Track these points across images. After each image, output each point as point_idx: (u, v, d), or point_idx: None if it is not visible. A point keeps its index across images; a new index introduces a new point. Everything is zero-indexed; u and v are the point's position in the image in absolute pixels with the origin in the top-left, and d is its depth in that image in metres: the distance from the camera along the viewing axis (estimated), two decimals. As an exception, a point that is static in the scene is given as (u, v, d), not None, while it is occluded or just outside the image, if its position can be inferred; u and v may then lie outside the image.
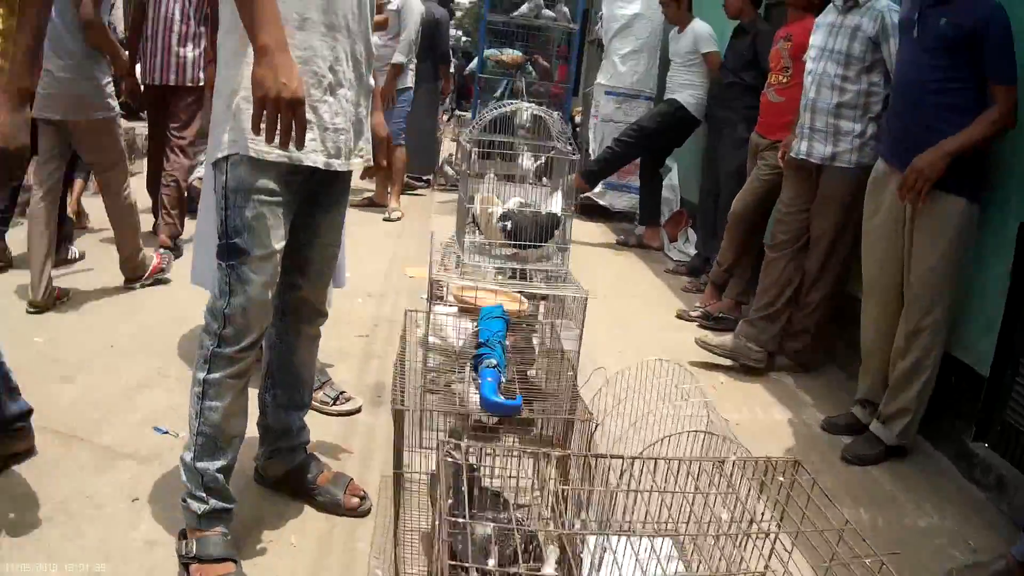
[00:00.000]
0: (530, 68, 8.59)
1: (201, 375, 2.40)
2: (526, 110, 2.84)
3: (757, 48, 5.71)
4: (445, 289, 2.90)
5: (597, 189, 8.32)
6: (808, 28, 4.60)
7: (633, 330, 5.10)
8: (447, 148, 10.85)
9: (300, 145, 2.14)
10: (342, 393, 3.61)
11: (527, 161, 8.59)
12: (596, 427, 2.09)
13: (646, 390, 2.16)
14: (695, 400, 2.02)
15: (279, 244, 2.35)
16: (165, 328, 4.40)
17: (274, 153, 2.21)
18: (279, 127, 2.07)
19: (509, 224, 2.59)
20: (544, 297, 2.91)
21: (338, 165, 2.43)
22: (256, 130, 2.09)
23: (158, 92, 5.66)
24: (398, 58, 7.12)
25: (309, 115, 2.24)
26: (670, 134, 7.14)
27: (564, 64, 8.91)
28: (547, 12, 8.23)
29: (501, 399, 2.14)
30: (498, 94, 9.01)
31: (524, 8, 8.22)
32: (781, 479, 1.59)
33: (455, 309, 2.78)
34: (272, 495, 2.93)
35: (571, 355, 2.56)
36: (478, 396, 2.34)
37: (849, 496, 3.30)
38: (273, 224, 2.32)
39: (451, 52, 10.50)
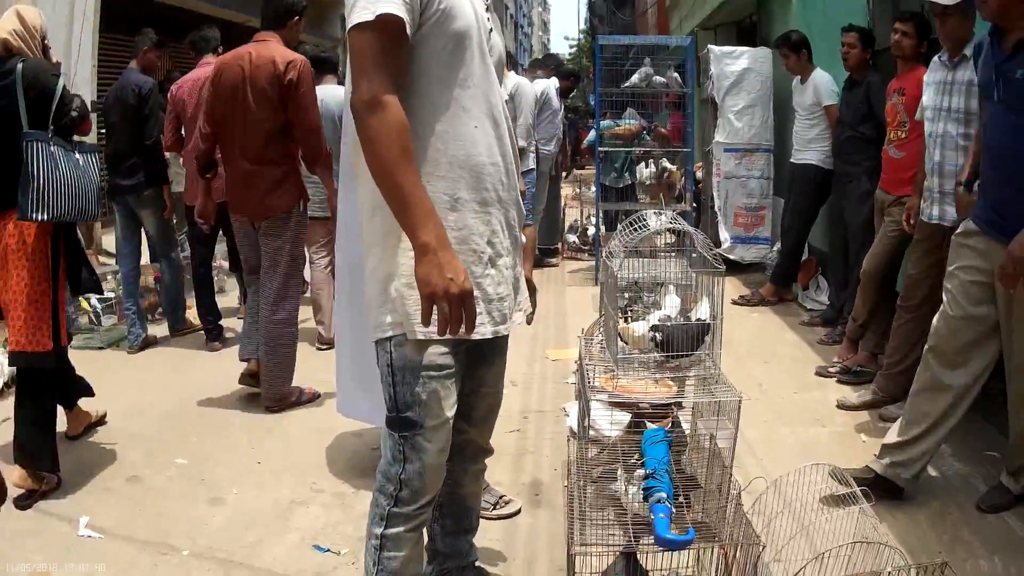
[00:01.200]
0: (647, 136, 8.74)
1: (378, 530, 2.41)
2: (662, 219, 2.80)
3: (871, 100, 5.74)
4: (593, 375, 2.92)
5: (726, 244, 8.43)
6: (919, 79, 4.65)
7: (775, 394, 5.17)
8: (569, 215, 11.09)
9: (471, 331, 2.17)
10: (501, 497, 3.67)
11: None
12: (763, 548, 2.22)
13: (803, 495, 2.29)
14: (851, 509, 2.14)
15: (451, 411, 2.37)
16: (312, 439, 4.47)
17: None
18: (450, 319, 2.09)
19: (659, 335, 2.68)
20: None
21: (504, 330, 2.44)
22: (427, 323, 2.11)
23: None
24: (519, 143, 7.32)
25: (475, 293, 2.24)
26: (820, 197, 7.02)
27: (677, 113, 9.05)
28: (658, 79, 8.39)
29: (674, 535, 2.25)
30: (617, 166, 9.21)
31: (635, 78, 8.39)
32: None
33: (605, 396, 2.80)
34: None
35: (726, 453, 2.66)
36: (636, 502, 2.50)
37: (986, 546, 3.31)
38: (444, 395, 2.33)
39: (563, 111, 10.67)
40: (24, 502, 3.77)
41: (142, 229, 6.43)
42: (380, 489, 2.43)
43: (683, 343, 2.67)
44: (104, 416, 4.72)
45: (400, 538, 2.41)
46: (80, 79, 9.05)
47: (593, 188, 9.93)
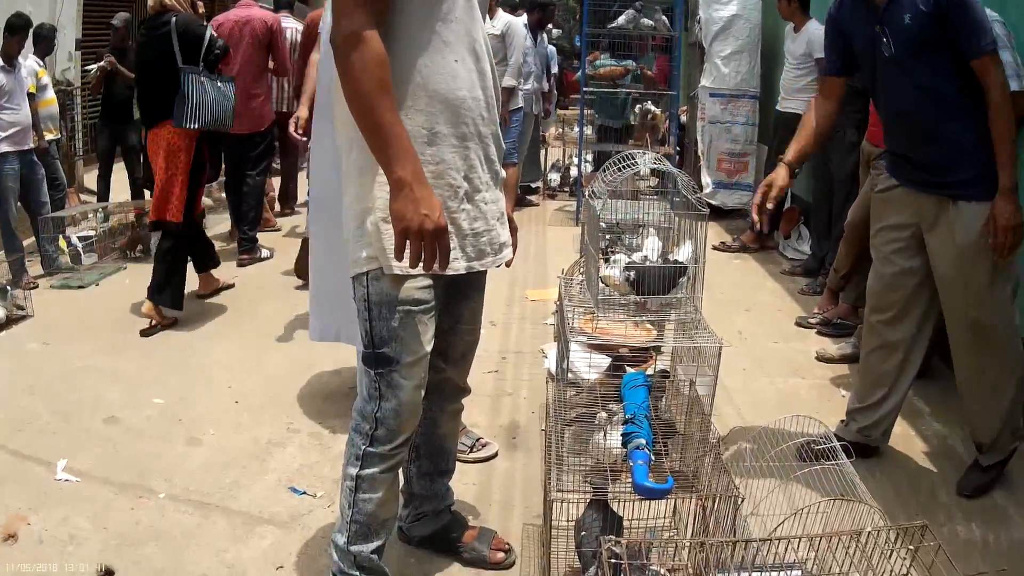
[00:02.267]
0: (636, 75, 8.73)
1: (353, 471, 2.41)
2: (647, 162, 2.73)
3: (861, 51, 5.68)
4: (573, 316, 2.91)
5: (708, 189, 8.40)
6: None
7: (755, 342, 5.17)
8: (551, 155, 11.04)
9: (444, 267, 2.18)
10: (478, 440, 3.66)
11: (643, 167, 8.78)
12: (742, 501, 2.21)
13: (783, 448, 2.29)
14: (830, 464, 2.15)
15: (428, 347, 2.36)
16: (290, 380, 4.44)
17: (417, 269, 2.18)
18: (424, 255, 2.10)
19: (632, 274, 2.64)
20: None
21: (479, 266, 2.42)
22: (400, 258, 2.12)
23: None
24: (508, 82, 7.24)
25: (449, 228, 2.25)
26: None
27: (663, 56, 8.98)
28: (645, 21, 8.31)
29: (652, 483, 2.24)
30: (619, 104, 9.16)
31: (621, 19, 8.31)
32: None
33: (584, 338, 2.81)
34: (417, 552, 2.95)
35: (705, 400, 2.64)
36: (611, 443, 2.49)
37: (963, 512, 3.31)
38: (421, 330, 2.32)
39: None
40: (148, 332, 5.19)
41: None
42: (355, 428, 2.43)
43: (657, 284, 2.64)
44: (231, 284, 6.10)
45: (375, 479, 2.41)
46: (65, 18, 9.27)
47: (576, 128, 9.87)
